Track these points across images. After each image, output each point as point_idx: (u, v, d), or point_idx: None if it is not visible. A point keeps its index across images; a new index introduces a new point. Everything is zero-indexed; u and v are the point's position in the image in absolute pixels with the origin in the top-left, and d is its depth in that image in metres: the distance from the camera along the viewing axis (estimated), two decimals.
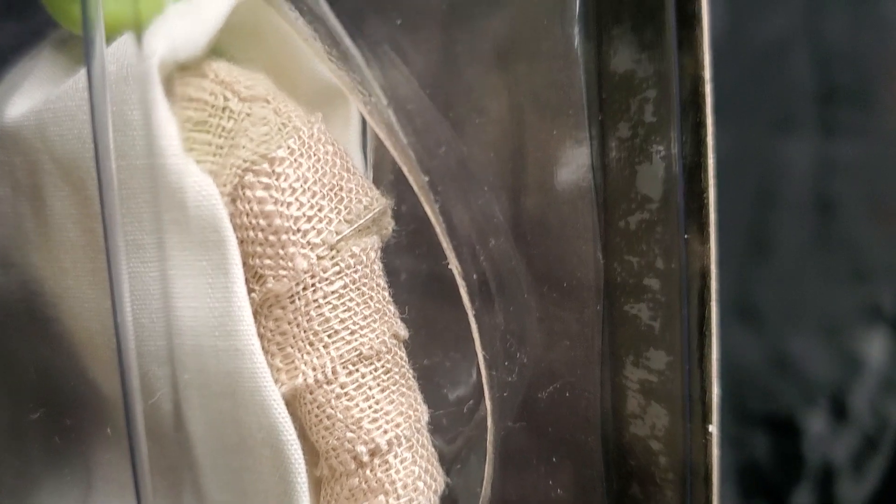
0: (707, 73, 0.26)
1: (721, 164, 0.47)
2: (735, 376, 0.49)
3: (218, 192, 0.25)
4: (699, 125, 0.26)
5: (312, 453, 0.28)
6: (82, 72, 0.24)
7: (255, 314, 0.27)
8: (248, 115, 0.26)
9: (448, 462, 0.29)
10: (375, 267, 0.28)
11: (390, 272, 0.29)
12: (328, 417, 0.27)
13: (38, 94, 0.26)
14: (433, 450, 0.28)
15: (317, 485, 0.28)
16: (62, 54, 0.27)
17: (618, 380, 0.29)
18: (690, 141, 0.27)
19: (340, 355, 0.27)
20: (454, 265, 0.26)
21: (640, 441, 0.29)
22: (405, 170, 0.26)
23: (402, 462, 0.27)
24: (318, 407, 0.27)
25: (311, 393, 0.26)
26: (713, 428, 0.27)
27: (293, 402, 0.27)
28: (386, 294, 0.28)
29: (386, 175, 0.30)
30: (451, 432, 0.30)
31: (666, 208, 0.27)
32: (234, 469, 0.26)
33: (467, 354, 0.30)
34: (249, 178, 0.26)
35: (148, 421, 0.25)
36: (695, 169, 0.27)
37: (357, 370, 0.27)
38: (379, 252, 0.28)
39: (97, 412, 0.27)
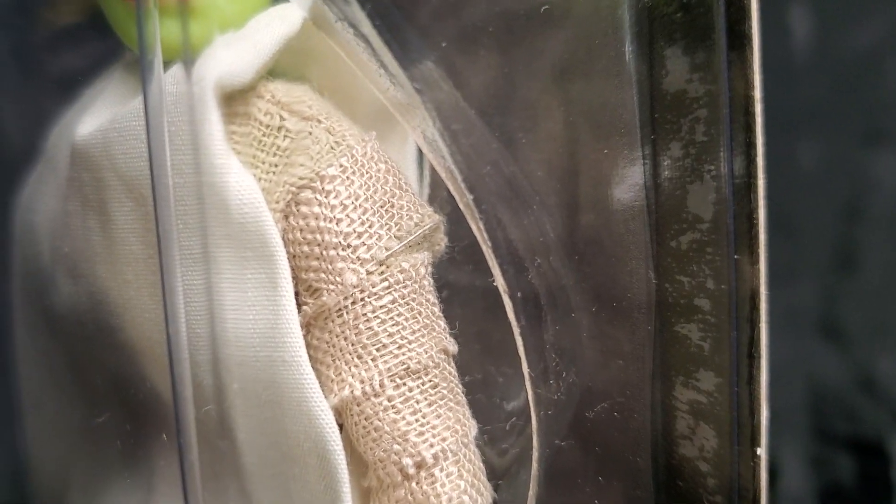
0: (757, 94, 0.26)
1: (808, 176, 0.47)
2: (819, 396, 0.48)
3: (269, 208, 0.26)
4: (750, 145, 0.26)
5: (362, 464, 0.28)
6: None
7: (308, 326, 0.27)
8: (303, 133, 0.27)
9: (498, 475, 0.30)
10: (425, 282, 0.28)
11: (445, 285, 0.30)
12: (375, 429, 0.27)
13: (107, 113, 0.28)
14: (481, 464, 0.29)
15: (365, 495, 0.29)
16: (131, 75, 0.29)
17: (667, 400, 0.29)
18: (741, 161, 0.26)
19: (388, 369, 0.27)
20: (499, 283, 0.27)
21: (688, 462, 0.29)
22: (451, 188, 0.27)
23: (447, 476, 0.28)
24: (365, 419, 0.27)
25: (358, 405, 0.27)
26: (761, 451, 0.27)
27: (342, 414, 0.27)
28: (436, 309, 0.28)
29: (442, 191, 0.31)
30: (502, 446, 0.30)
31: (716, 229, 0.27)
32: (281, 477, 0.27)
33: (519, 369, 0.31)
34: (303, 195, 0.27)
35: (199, 428, 0.26)
36: (745, 189, 0.26)
37: (404, 384, 0.27)
38: (430, 267, 0.28)
39: (156, 419, 0.28)
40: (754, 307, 0.27)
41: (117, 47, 0.29)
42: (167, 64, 0.26)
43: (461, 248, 0.30)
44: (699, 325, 0.28)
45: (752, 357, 0.27)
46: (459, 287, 0.31)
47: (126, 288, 0.27)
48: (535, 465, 0.27)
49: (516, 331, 0.27)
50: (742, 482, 0.28)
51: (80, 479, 0.31)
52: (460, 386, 0.29)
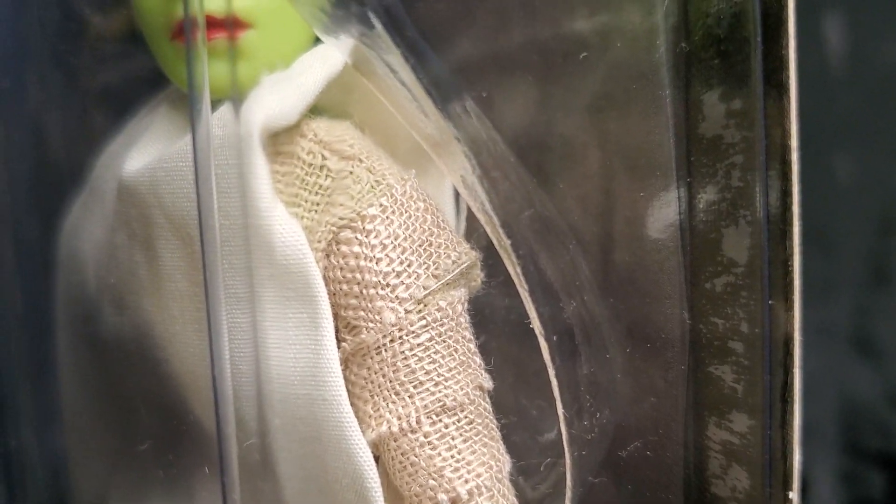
0: (794, 143, 0.26)
1: (842, 189, 0.46)
2: (851, 410, 0.47)
3: (311, 248, 0.27)
4: (786, 193, 0.26)
5: (399, 497, 0.29)
6: None
7: (347, 362, 0.28)
8: (345, 173, 0.28)
9: None
10: (462, 319, 0.29)
11: (482, 318, 0.30)
12: (412, 465, 0.28)
13: (154, 150, 0.28)
14: (514, 500, 0.29)
15: None
16: (178, 112, 0.29)
17: (700, 439, 0.29)
18: (777, 208, 0.27)
19: (425, 405, 0.28)
20: (535, 325, 0.27)
21: (720, 502, 0.29)
22: (488, 231, 0.27)
23: None
24: (402, 454, 0.28)
25: (395, 441, 0.28)
26: (794, 495, 0.27)
27: (379, 448, 0.28)
28: (471, 346, 0.29)
29: (479, 226, 0.31)
30: (537, 478, 0.31)
31: (751, 273, 0.27)
32: None
33: (554, 403, 0.31)
34: (343, 234, 0.27)
35: (241, 461, 0.26)
36: (780, 236, 0.27)
37: (440, 420, 0.28)
38: (466, 304, 0.29)
39: (198, 451, 0.28)
40: (788, 353, 0.27)
41: (162, 78, 0.30)
42: (214, 104, 0.26)
43: (497, 283, 0.31)
44: (733, 367, 0.28)
45: (786, 401, 0.27)
46: (495, 320, 0.31)
47: (171, 323, 0.28)
48: (568, 502, 0.28)
49: (551, 371, 0.27)
50: None
51: None
52: (495, 421, 0.29)
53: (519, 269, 0.27)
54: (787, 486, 0.27)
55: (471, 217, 0.33)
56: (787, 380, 0.27)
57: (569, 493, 0.28)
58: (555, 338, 0.27)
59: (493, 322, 0.31)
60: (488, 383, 0.29)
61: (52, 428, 0.33)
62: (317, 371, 0.26)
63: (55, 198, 0.32)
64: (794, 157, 0.26)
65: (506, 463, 0.29)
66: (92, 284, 0.30)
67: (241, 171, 0.25)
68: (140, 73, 0.31)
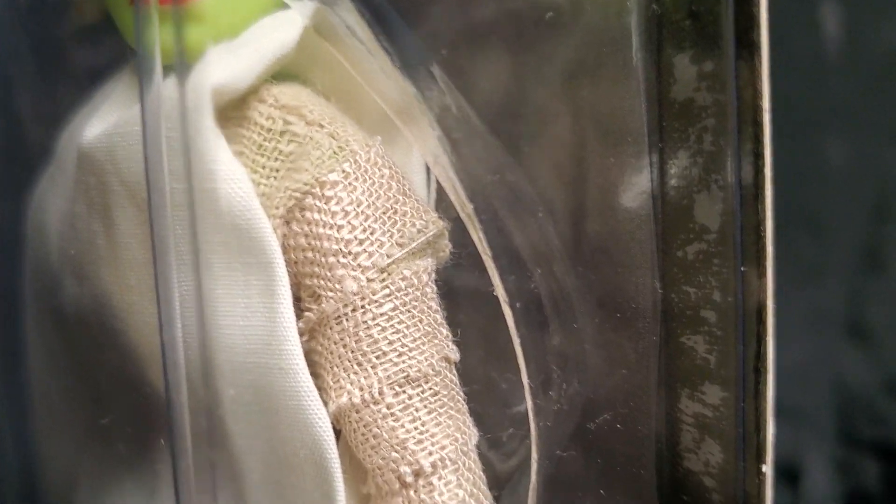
0: (766, 104, 0.25)
1: (836, 174, 0.46)
2: (845, 398, 0.47)
3: (268, 215, 0.26)
4: (758, 156, 0.26)
5: (361, 470, 0.28)
6: None
7: (313, 332, 0.27)
8: (306, 138, 0.27)
9: (501, 483, 0.29)
10: (428, 289, 0.28)
11: (449, 291, 0.30)
12: (374, 437, 0.27)
13: (113, 117, 0.28)
14: (482, 473, 0.28)
15: (365, 502, 0.29)
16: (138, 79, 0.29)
17: (673, 412, 0.29)
18: (749, 171, 0.26)
19: (388, 376, 0.27)
20: (499, 292, 0.26)
21: (693, 476, 0.28)
22: (452, 198, 0.26)
23: (446, 484, 0.27)
24: (364, 426, 0.27)
25: (357, 412, 0.27)
26: (767, 468, 0.27)
27: (340, 421, 0.27)
28: (438, 316, 0.28)
29: (448, 198, 0.31)
30: (507, 450, 0.30)
31: (723, 240, 0.27)
32: (278, 485, 0.27)
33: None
34: (306, 201, 0.27)
35: (194, 434, 0.26)
36: (753, 200, 0.26)
37: (404, 392, 0.27)
38: (433, 274, 0.28)
39: (156, 423, 0.28)
40: (761, 321, 0.26)
41: (128, 49, 0.29)
42: (170, 69, 0.26)
43: (467, 254, 0.30)
44: (705, 338, 0.27)
45: (759, 372, 0.26)
46: (465, 293, 0.31)
47: (129, 293, 0.27)
48: (533, 475, 0.27)
49: (516, 340, 0.27)
50: (747, 499, 0.27)
51: (87, 478, 0.31)
52: (462, 394, 0.28)
53: (482, 236, 0.26)
54: (760, 458, 0.27)
55: (441, 188, 0.32)
56: (760, 350, 0.26)
57: (534, 466, 0.27)
58: (518, 304, 0.26)
59: (463, 295, 0.31)
60: (455, 355, 0.28)
61: (22, 408, 0.32)
62: (272, 339, 0.26)
63: (23, 174, 0.31)
64: (766, 118, 0.26)
65: (472, 436, 0.28)
66: (55, 257, 0.30)
67: (191, 134, 0.25)
68: (109, 43, 0.31)
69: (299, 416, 0.26)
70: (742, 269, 0.26)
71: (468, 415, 0.28)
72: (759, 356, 0.26)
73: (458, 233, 0.29)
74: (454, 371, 0.28)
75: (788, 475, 0.46)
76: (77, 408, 0.30)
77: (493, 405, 0.31)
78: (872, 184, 0.46)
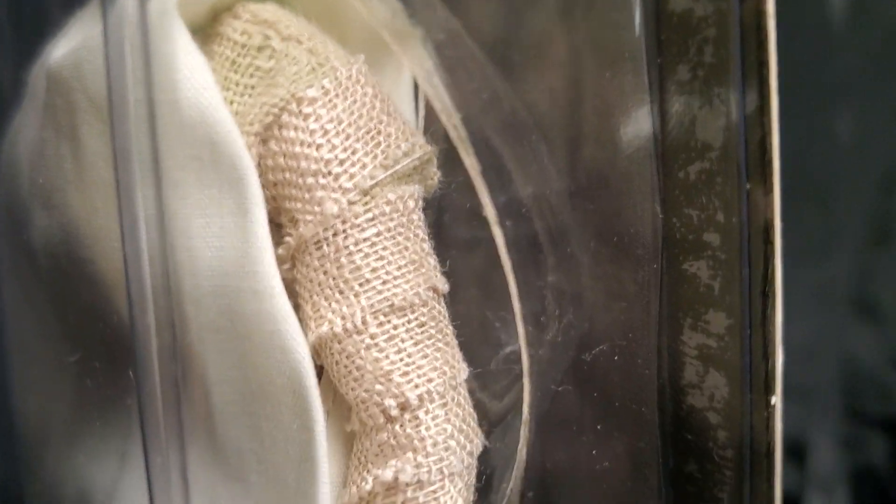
0: (770, 8, 0.24)
1: (843, 148, 0.44)
2: (852, 374, 0.45)
3: (242, 131, 0.24)
4: (762, 65, 0.24)
5: (345, 407, 0.27)
6: None
7: (293, 259, 0.26)
8: (285, 54, 0.26)
9: (493, 422, 0.28)
10: (414, 216, 0.26)
11: (441, 224, 0.28)
12: (357, 368, 0.26)
13: (80, 35, 0.26)
14: (471, 410, 0.27)
15: (349, 440, 0.27)
16: None
17: (675, 345, 0.27)
18: (752, 82, 0.24)
19: (371, 305, 0.25)
20: (488, 211, 0.25)
21: (697, 413, 0.27)
22: (443, 120, 0.25)
23: (433, 419, 0.26)
24: (346, 357, 0.26)
25: (339, 343, 0.25)
26: (776, 399, 0.25)
27: (321, 354, 0.26)
28: (426, 245, 0.27)
29: (437, 124, 0.29)
30: (499, 390, 0.28)
31: (726, 157, 0.25)
32: (253, 417, 0.25)
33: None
34: (283, 118, 0.25)
35: (163, 365, 0.24)
36: (757, 114, 0.24)
37: (388, 321, 0.26)
38: (420, 202, 0.27)
39: (125, 358, 0.26)
40: (768, 241, 0.25)
41: None
42: None
43: (457, 185, 0.28)
44: (708, 263, 0.26)
45: (766, 296, 0.25)
46: (456, 227, 0.29)
47: (95, 216, 0.26)
48: (526, 409, 0.26)
49: (507, 266, 0.25)
50: (755, 435, 0.25)
51: (60, 421, 0.29)
52: (450, 327, 0.27)
53: (474, 160, 0.25)
54: (768, 390, 0.25)
55: (428, 118, 0.31)
56: (767, 271, 0.25)
57: (527, 398, 0.25)
58: (509, 224, 0.25)
59: (454, 228, 0.29)
60: (444, 286, 0.27)
61: None
62: (246, 261, 0.24)
63: None
64: (771, 24, 0.24)
65: (461, 370, 0.26)
66: (25, 191, 0.28)
67: (156, 42, 0.23)
68: None
69: (275, 341, 0.24)
70: (747, 186, 0.25)
71: (457, 349, 0.27)
72: (766, 278, 0.25)
73: (448, 160, 0.27)
74: (442, 303, 0.27)
75: (795, 452, 0.44)
76: (48, 347, 0.29)
77: (484, 344, 0.29)
78: (880, 157, 0.44)
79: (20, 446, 0.31)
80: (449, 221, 0.29)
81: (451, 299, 0.27)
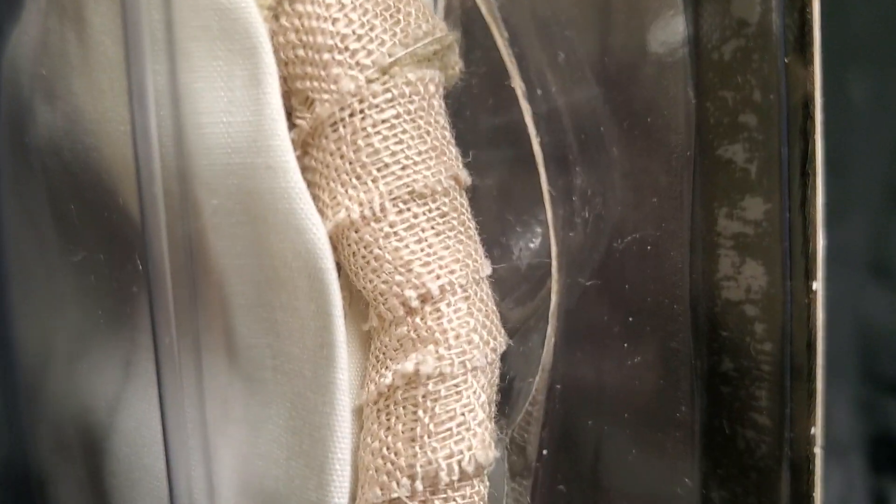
0: None
1: (860, 112, 0.43)
2: (869, 338, 0.44)
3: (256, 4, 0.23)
4: None
5: (362, 302, 0.25)
6: None
7: (304, 145, 0.25)
8: None
9: (516, 326, 0.26)
10: (435, 102, 0.25)
11: (464, 122, 0.27)
12: (376, 259, 0.24)
13: None
14: (494, 307, 0.25)
15: (365, 341, 0.26)
16: None
17: (709, 237, 0.26)
18: None
19: (390, 191, 0.24)
20: (516, 84, 0.24)
21: (733, 307, 0.25)
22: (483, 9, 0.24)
23: (455, 312, 0.25)
24: (364, 247, 0.24)
25: (356, 231, 0.24)
26: (818, 285, 0.24)
27: (338, 245, 0.24)
28: (447, 134, 0.25)
29: (457, 11, 0.28)
30: (520, 295, 0.27)
31: (764, 31, 0.24)
32: (267, 307, 0.24)
33: (542, 218, 0.28)
34: None
35: (174, 256, 0.23)
36: None
37: (408, 209, 0.24)
38: (441, 89, 0.25)
39: (129, 245, 0.25)
40: (808, 116, 0.23)
41: None
42: None
43: (479, 77, 0.27)
44: (745, 146, 0.24)
45: (806, 174, 0.23)
46: (478, 121, 0.28)
47: (101, 98, 0.25)
48: (553, 306, 0.24)
49: (538, 157, 0.24)
50: (795, 325, 0.24)
51: (64, 333, 0.28)
52: (473, 221, 0.25)
53: (512, 51, 0.23)
54: (809, 275, 0.24)
55: (448, 7, 0.29)
56: (808, 148, 0.23)
57: (555, 296, 0.24)
58: (545, 120, 0.23)
59: (476, 126, 0.28)
60: (466, 177, 0.25)
61: None
62: (258, 135, 0.23)
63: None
64: None
65: (484, 266, 0.25)
66: (27, 88, 0.27)
67: None
68: None
69: (290, 221, 0.23)
70: (785, 60, 0.23)
71: (479, 244, 0.25)
72: (807, 156, 0.23)
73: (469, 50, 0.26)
74: (464, 196, 0.26)
75: None
76: (50, 254, 0.28)
77: (505, 248, 0.28)
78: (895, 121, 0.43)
79: (20, 363, 0.30)
80: (471, 118, 0.28)
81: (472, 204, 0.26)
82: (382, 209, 0.24)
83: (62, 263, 0.27)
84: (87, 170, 0.25)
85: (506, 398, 0.26)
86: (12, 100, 0.28)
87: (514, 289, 0.27)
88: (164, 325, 0.23)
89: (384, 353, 0.25)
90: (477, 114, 0.28)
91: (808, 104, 0.23)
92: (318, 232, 0.23)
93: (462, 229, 0.25)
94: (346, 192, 0.24)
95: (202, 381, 0.25)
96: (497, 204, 0.28)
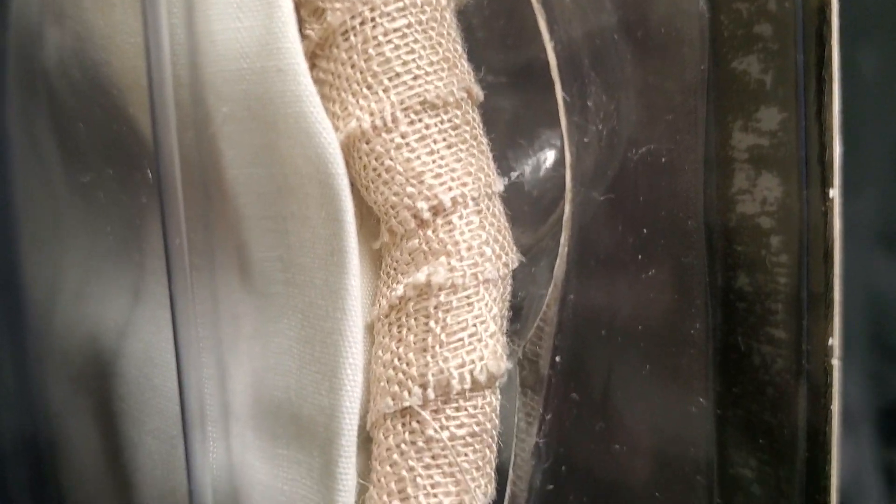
0: None
1: (869, 83, 0.43)
2: (880, 309, 0.44)
3: None
4: None
5: (372, 218, 0.25)
6: None
7: (314, 57, 0.24)
8: None
9: (525, 250, 0.26)
10: (447, 14, 0.25)
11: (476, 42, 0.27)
12: (387, 170, 0.24)
13: None
14: (506, 223, 0.25)
15: (376, 260, 0.25)
16: None
17: (723, 152, 0.25)
18: None
19: (401, 101, 0.24)
20: (539, 12, 0.23)
21: (748, 221, 0.25)
22: None
23: (467, 224, 0.24)
24: (375, 158, 0.24)
25: (367, 142, 0.24)
26: (834, 193, 0.23)
27: (349, 158, 0.24)
28: (459, 48, 0.25)
29: None
30: (531, 219, 0.27)
31: None
32: (278, 218, 0.24)
33: (554, 142, 0.27)
34: None
35: (185, 169, 0.23)
36: None
37: (420, 120, 0.24)
38: (453, 3, 0.25)
39: (138, 158, 0.25)
40: (824, 21, 0.23)
41: None
42: None
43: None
44: (759, 56, 0.24)
45: (822, 80, 0.23)
46: (491, 41, 0.28)
47: (112, 12, 0.24)
48: (567, 221, 0.24)
49: (554, 73, 0.24)
50: (812, 235, 0.24)
51: (71, 260, 0.28)
52: (485, 137, 0.25)
53: None
54: (826, 183, 0.23)
55: None
56: (824, 54, 0.23)
57: (568, 209, 0.24)
58: (563, 38, 0.23)
59: (490, 45, 0.28)
60: (479, 91, 0.25)
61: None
62: (269, 38, 0.23)
63: None
64: None
65: (496, 181, 0.25)
66: (36, 11, 0.27)
67: None
68: None
69: (301, 125, 0.23)
70: None
71: (492, 160, 0.25)
72: (822, 62, 0.23)
73: None
74: (476, 112, 0.25)
75: None
76: (59, 176, 0.27)
77: (517, 170, 0.27)
78: None
79: (29, 294, 0.29)
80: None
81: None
82: (394, 119, 0.24)
83: (70, 187, 0.27)
84: (96, 87, 0.25)
85: (517, 315, 0.26)
86: (22, 29, 0.28)
87: (525, 213, 0.27)
88: (176, 233, 0.23)
89: (395, 269, 0.25)
90: (490, 33, 0.28)
91: (823, 9, 0.23)
92: (329, 136, 0.23)
93: (474, 143, 0.25)
94: (357, 101, 0.24)
95: (217, 298, 0.25)
96: (509, 125, 0.28)
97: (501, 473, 0.25)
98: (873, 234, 0.44)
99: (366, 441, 0.24)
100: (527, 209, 0.27)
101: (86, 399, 0.28)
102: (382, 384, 0.24)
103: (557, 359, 0.24)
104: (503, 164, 0.26)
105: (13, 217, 0.29)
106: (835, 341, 0.24)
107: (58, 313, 0.29)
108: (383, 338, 0.24)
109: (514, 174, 0.27)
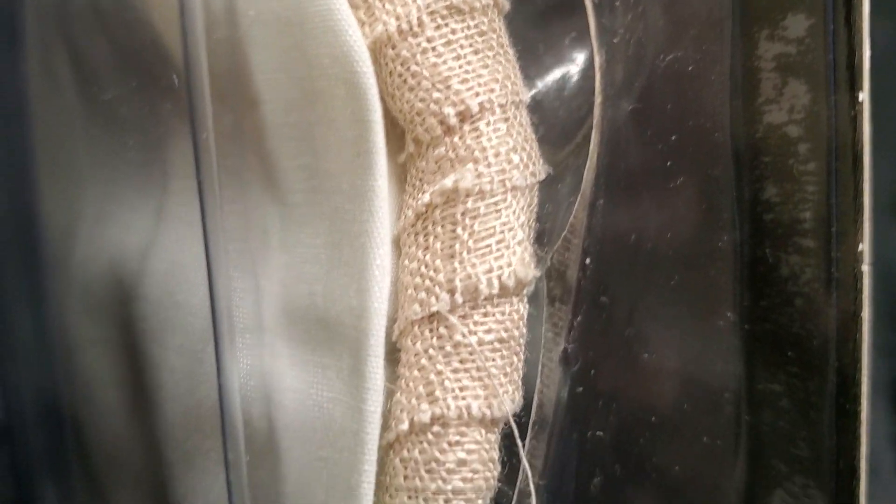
0: None
1: (882, 54, 0.43)
2: (891, 278, 0.43)
3: None
4: None
5: (396, 131, 0.25)
6: None
7: None
8: None
9: (553, 164, 0.26)
10: None
11: None
12: (413, 75, 0.24)
13: None
14: (532, 134, 0.25)
15: (402, 174, 0.25)
16: None
17: (749, 62, 0.25)
18: None
19: (427, 4, 0.24)
20: None
21: (775, 131, 0.25)
22: None
23: (495, 131, 0.24)
24: (401, 64, 0.24)
25: (394, 47, 0.24)
26: (863, 96, 0.23)
27: (375, 64, 0.24)
28: None
29: None
30: (556, 141, 0.27)
31: None
32: (304, 124, 0.24)
33: (579, 62, 0.27)
34: None
35: (212, 75, 0.22)
36: None
37: (447, 24, 0.24)
38: None
39: (167, 70, 0.25)
40: None
41: None
42: None
43: None
44: None
45: None
46: None
47: None
48: (597, 110, 0.24)
49: None
50: (840, 140, 0.23)
51: (95, 180, 0.28)
52: (511, 48, 0.25)
53: None
54: (854, 86, 0.23)
55: None
56: None
57: (597, 112, 0.24)
58: None
59: None
60: (505, 1, 0.25)
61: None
62: None
63: None
64: None
65: (523, 90, 0.25)
66: None
67: None
68: None
69: (328, 24, 0.23)
70: None
71: (518, 69, 0.25)
72: None
73: None
74: (502, 22, 0.25)
75: None
76: (76, 94, 0.27)
77: (544, 86, 0.27)
78: None
79: (48, 225, 0.29)
80: None
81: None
82: (420, 23, 0.24)
83: (89, 110, 0.27)
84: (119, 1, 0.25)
85: (543, 227, 0.25)
86: None
87: (552, 130, 0.27)
88: (203, 128, 0.22)
89: (421, 179, 0.25)
90: None
91: None
92: (355, 34, 0.23)
93: (500, 51, 0.25)
94: (384, 6, 0.24)
95: (246, 210, 0.24)
96: (535, 38, 0.28)
97: (528, 384, 0.25)
98: (885, 204, 0.44)
99: (392, 351, 0.24)
100: (553, 126, 0.27)
101: (106, 325, 0.28)
102: (410, 292, 0.24)
103: (588, 261, 0.24)
104: (528, 82, 0.26)
105: (30, 149, 0.29)
106: (865, 246, 0.23)
107: (78, 241, 0.29)
108: (410, 248, 0.24)
109: (539, 89, 0.27)
